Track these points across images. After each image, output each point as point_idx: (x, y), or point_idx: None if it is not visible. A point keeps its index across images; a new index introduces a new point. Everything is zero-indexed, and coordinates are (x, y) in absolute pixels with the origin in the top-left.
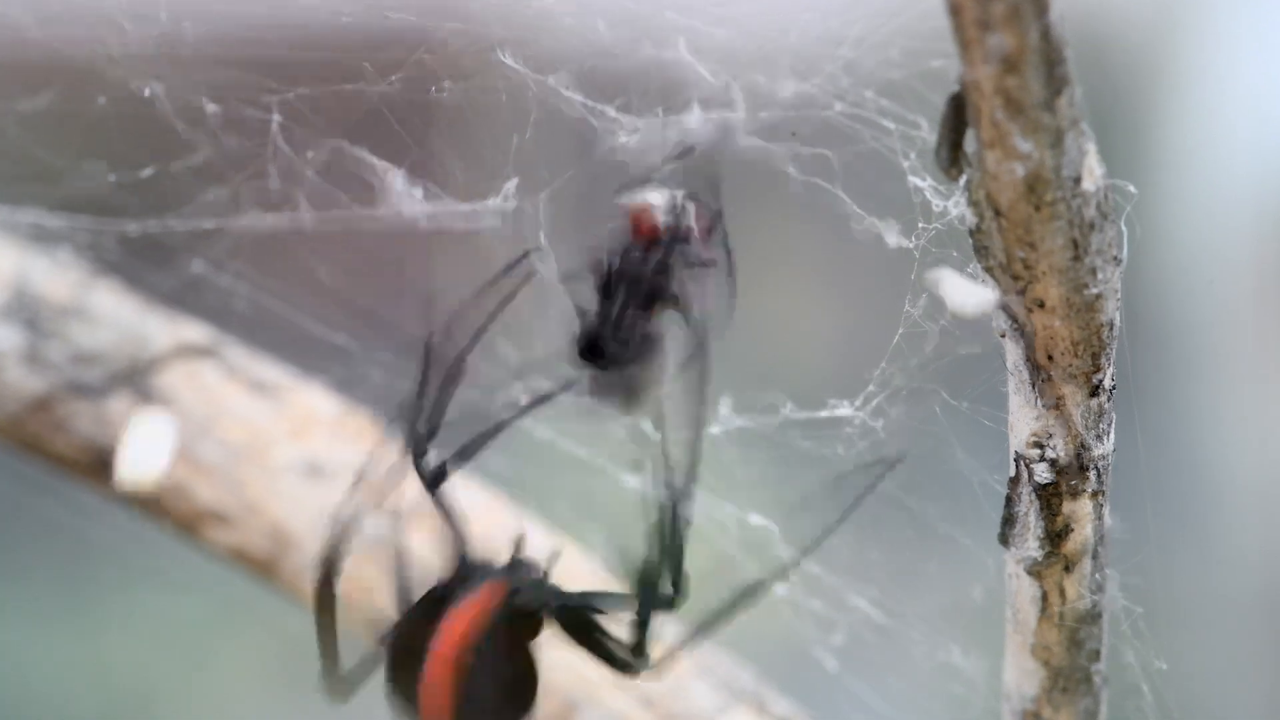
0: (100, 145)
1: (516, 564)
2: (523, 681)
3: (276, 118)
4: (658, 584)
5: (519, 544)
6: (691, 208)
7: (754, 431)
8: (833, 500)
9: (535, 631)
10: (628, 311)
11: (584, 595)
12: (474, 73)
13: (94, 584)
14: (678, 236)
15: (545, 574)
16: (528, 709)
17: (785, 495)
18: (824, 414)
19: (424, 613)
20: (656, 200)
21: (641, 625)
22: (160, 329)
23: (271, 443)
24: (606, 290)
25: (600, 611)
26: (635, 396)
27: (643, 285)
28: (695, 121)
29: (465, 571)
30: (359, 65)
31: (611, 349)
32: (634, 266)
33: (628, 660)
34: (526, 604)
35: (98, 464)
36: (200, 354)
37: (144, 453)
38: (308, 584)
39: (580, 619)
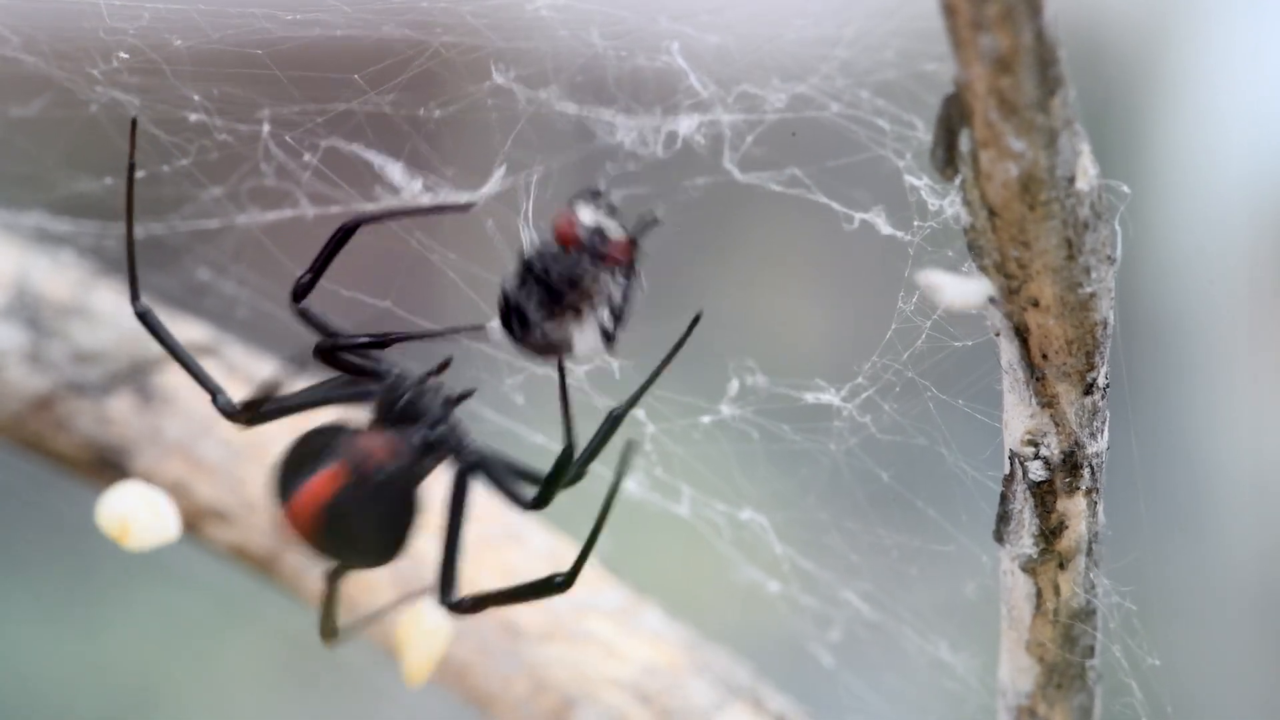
0: (95, 150)
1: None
2: (399, 518)
3: (267, 127)
4: (572, 460)
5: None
6: (614, 234)
7: (746, 426)
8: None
9: (429, 470)
10: (533, 304)
11: (500, 458)
12: (468, 80)
13: (94, 581)
14: (591, 252)
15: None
16: (399, 544)
17: (777, 491)
18: (809, 398)
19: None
20: (585, 216)
21: (551, 482)
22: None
23: (271, 441)
24: (520, 280)
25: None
26: (550, 356)
27: (548, 285)
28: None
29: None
30: (353, 76)
31: (524, 332)
32: (545, 266)
33: (526, 501)
34: (441, 450)
35: (98, 462)
36: (200, 352)
37: (152, 520)
38: (308, 581)
39: (490, 467)
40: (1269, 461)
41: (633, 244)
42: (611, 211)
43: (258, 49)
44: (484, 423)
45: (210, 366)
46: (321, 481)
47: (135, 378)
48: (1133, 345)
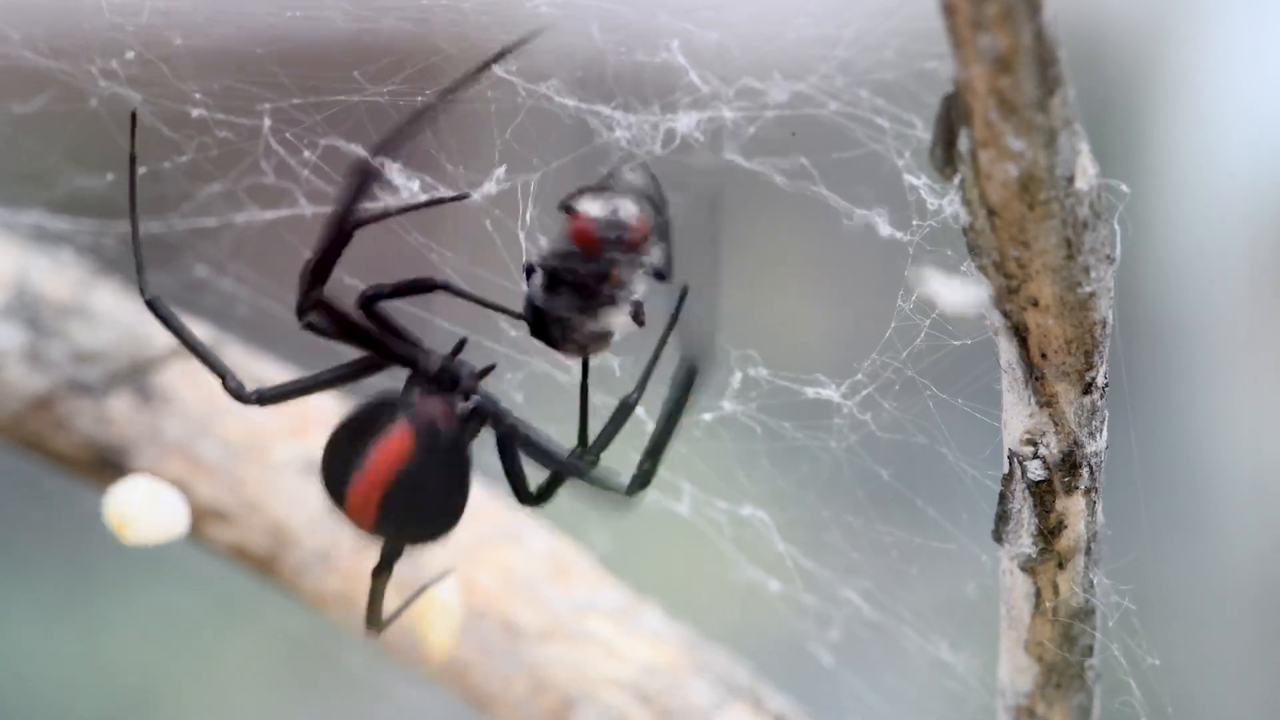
0: (95, 147)
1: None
2: (460, 486)
3: (268, 122)
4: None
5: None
6: (631, 219)
7: (746, 424)
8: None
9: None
10: (562, 309)
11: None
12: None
13: (94, 581)
14: (613, 246)
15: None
16: (454, 514)
17: (777, 488)
18: (810, 393)
19: (371, 416)
20: (595, 210)
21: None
22: (161, 328)
23: (271, 441)
24: (546, 287)
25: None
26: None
27: (574, 288)
28: (684, 125)
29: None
30: (352, 73)
31: (549, 335)
32: (567, 271)
33: (573, 463)
34: (480, 418)
35: (98, 462)
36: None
37: (160, 516)
38: (307, 581)
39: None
40: (1269, 461)
41: (655, 214)
42: (617, 191)
43: (258, 47)
44: None
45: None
46: (390, 449)
47: (135, 377)
48: (1132, 345)
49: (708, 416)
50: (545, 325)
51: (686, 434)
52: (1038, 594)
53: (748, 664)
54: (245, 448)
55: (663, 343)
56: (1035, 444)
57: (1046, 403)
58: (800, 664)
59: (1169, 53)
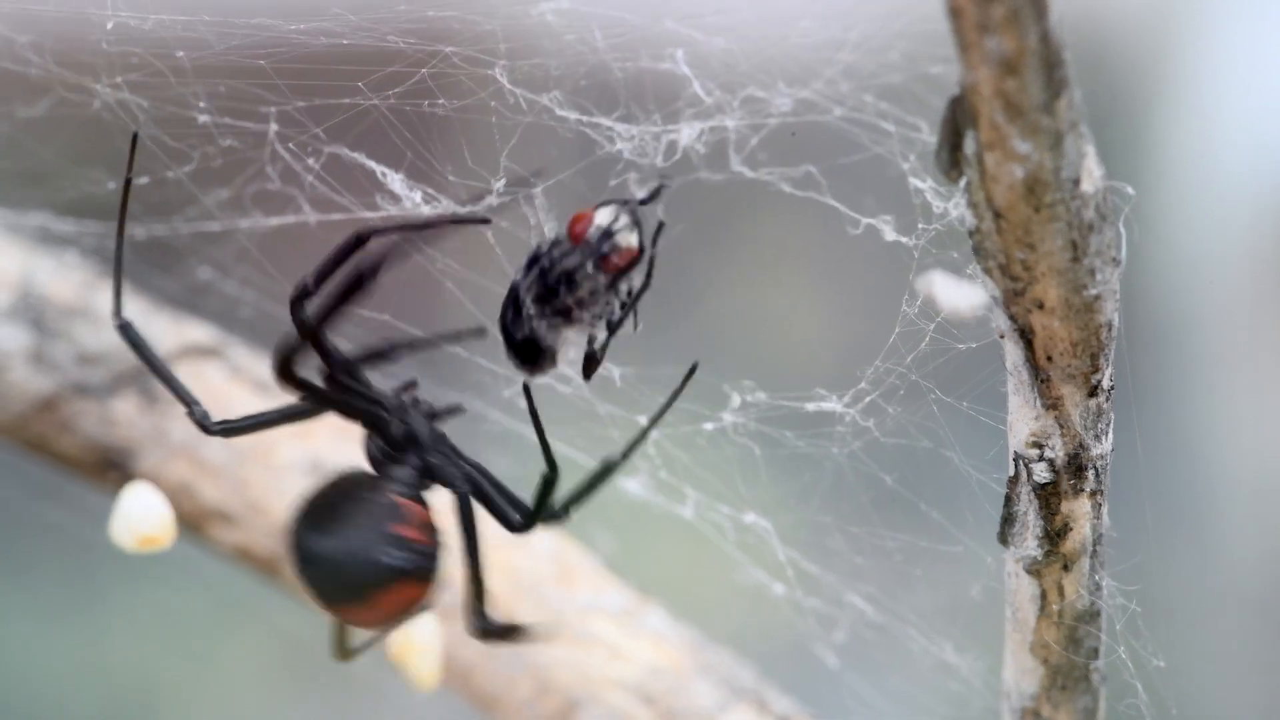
0: (99, 151)
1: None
2: None
3: (274, 127)
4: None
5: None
6: (627, 238)
7: (749, 431)
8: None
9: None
10: (533, 297)
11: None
12: (470, 91)
13: (97, 581)
14: (596, 251)
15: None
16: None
17: (780, 494)
18: (811, 407)
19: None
20: (601, 216)
21: (538, 507)
22: (165, 330)
23: (275, 442)
24: (526, 272)
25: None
26: (532, 366)
27: (552, 278)
28: (686, 137)
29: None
30: (356, 82)
31: (514, 326)
32: (551, 259)
33: (515, 523)
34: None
35: (102, 463)
36: (205, 354)
37: (146, 521)
38: None
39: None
40: (1273, 462)
41: (640, 253)
42: (633, 220)
43: (262, 59)
44: (489, 424)
45: (214, 368)
46: (401, 597)
47: (139, 379)
48: (1137, 347)
49: (709, 427)
50: (511, 314)
51: (689, 442)
52: (1043, 596)
53: (752, 665)
54: (249, 449)
55: (663, 411)
56: (1041, 446)
57: (1052, 405)
58: (805, 666)
59: (1173, 55)
